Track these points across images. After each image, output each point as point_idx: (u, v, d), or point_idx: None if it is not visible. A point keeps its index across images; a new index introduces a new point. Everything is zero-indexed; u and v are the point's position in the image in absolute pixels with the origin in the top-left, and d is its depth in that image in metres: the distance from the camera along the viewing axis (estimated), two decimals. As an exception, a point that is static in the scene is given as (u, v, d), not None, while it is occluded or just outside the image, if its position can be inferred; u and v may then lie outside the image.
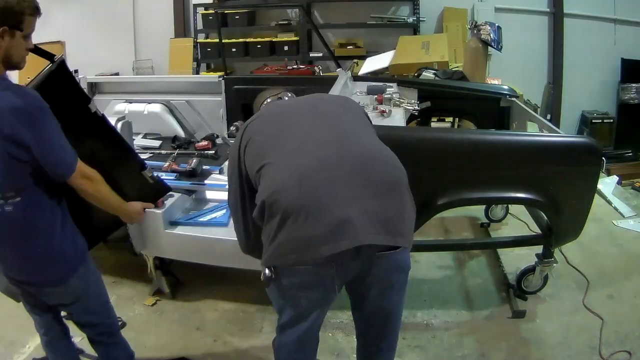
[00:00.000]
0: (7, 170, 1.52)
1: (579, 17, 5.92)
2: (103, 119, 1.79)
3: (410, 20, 5.91)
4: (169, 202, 2.62)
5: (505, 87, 3.55)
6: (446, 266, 3.13)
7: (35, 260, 1.67)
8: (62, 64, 1.68)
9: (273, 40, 5.88)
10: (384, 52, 5.27)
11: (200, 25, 6.31)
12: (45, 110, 1.52)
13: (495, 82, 4.80)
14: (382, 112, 2.66)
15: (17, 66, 1.58)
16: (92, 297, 1.86)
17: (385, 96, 2.87)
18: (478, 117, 3.52)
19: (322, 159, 1.54)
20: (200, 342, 2.52)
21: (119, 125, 2.52)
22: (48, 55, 1.69)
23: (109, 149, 1.84)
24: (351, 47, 5.94)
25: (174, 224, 2.64)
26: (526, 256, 2.87)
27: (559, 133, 2.62)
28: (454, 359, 2.38)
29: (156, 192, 2.03)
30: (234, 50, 6.01)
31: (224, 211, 2.74)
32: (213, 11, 5.86)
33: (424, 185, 2.22)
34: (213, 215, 2.71)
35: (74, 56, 5.60)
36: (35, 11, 1.56)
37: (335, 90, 2.93)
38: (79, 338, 2.45)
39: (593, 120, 5.66)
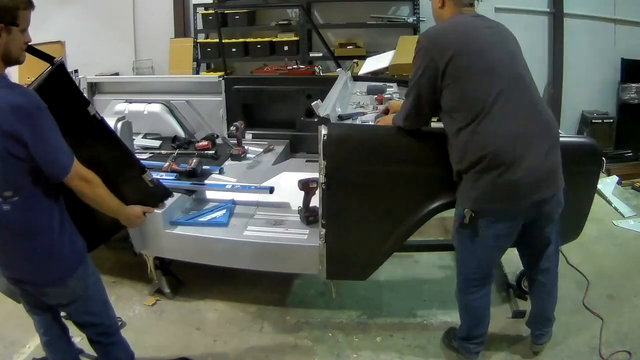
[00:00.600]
0: (5, 168, 1.53)
1: (579, 17, 5.92)
2: (102, 122, 1.79)
3: (410, 20, 5.91)
4: (169, 202, 2.62)
5: (505, 87, 3.54)
6: (446, 266, 3.13)
7: (33, 260, 1.67)
8: (61, 66, 1.68)
9: (273, 40, 5.88)
10: (384, 52, 5.27)
11: (200, 25, 6.30)
12: (43, 109, 1.52)
13: (495, 82, 4.79)
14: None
15: (17, 61, 1.59)
16: (91, 297, 1.86)
17: (385, 96, 2.87)
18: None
19: (525, 125, 1.89)
20: (200, 342, 2.52)
21: (119, 126, 2.53)
22: (47, 58, 1.69)
23: (108, 151, 1.84)
24: (351, 47, 5.94)
25: (174, 224, 2.64)
26: (526, 256, 2.86)
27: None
28: (454, 359, 2.38)
29: (156, 196, 2.03)
30: (234, 50, 6.00)
31: (224, 211, 2.74)
32: (213, 11, 5.86)
33: (421, 185, 2.21)
34: (213, 215, 2.72)
35: (74, 56, 5.60)
36: (29, 5, 1.56)
37: (335, 90, 2.93)
38: (78, 338, 2.46)
39: (593, 120, 5.66)
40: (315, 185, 2.46)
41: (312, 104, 2.32)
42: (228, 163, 3.39)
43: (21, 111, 1.49)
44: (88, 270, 1.83)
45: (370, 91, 3.11)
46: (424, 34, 2.03)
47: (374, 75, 4.75)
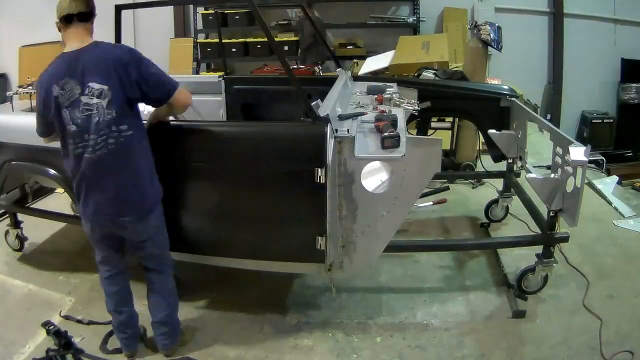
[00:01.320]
0: (122, 107, 2.01)
1: (579, 17, 5.94)
2: None
3: (410, 20, 5.92)
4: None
5: (505, 87, 3.55)
6: (446, 266, 3.13)
7: (139, 188, 2.09)
8: None
9: (273, 40, 5.89)
10: (384, 52, 5.28)
11: (200, 25, 6.31)
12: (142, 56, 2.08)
13: (495, 82, 4.80)
14: (382, 112, 2.66)
15: None
16: (161, 234, 2.28)
17: (385, 96, 2.86)
18: (478, 117, 3.52)
19: None
20: (200, 342, 2.52)
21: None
22: None
23: None
24: (351, 47, 5.95)
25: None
26: (526, 256, 2.87)
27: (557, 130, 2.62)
28: (454, 359, 2.38)
29: None
30: (234, 50, 6.02)
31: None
32: (213, 11, 5.87)
33: None
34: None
35: (74, 56, 5.59)
36: None
37: (335, 90, 2.93)
38: (78, 338, 2.46)
39: (593, 120, 5.67)
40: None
41: (312, 104, 2.31)
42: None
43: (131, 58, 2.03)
44: (161, 212, 2.24)
45: (370, 91, 3.11)
46: None
47: (374, 75, 4.76)
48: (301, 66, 5.74)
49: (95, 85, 1.95)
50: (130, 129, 2.04)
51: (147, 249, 2.25)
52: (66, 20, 2.02)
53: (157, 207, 2.20)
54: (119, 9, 2.69)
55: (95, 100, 1.96)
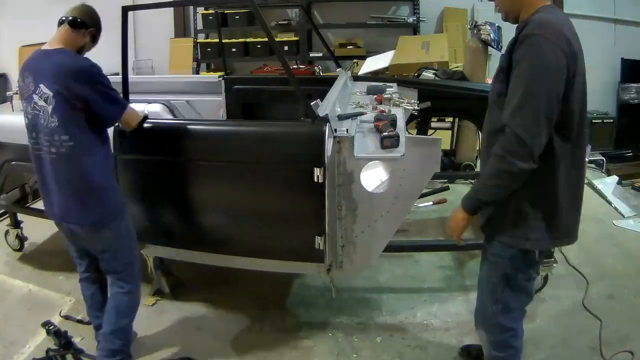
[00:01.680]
0: (65, 119, 1.94)
1: (579, 17, 5.92)
2: None
3: (410, 20, 5.91)
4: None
5: (506, 87, 3.54)
6: (446, 266, 3.13)
7: (81, 199, 2.01)
8: None
9: (273, 40, 5.88)
10: (384, 52, 5.27)
11: (200, 25, 6.31)
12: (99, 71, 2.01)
13: (495, 82, 4.79)
14: (382, 112, 2.66)
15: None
16: (124, 248, 2.18)
17: (385, 96, 2.86)
18: (478, 117, 3.52)
19: None
20: (200, 342, 2.52)
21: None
22: None
23: None
24: (351, 47, 5.95)
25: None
26: (526, 256, 2.86)
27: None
28: (454, 359, 2.38)
29: None
30: (234, 50, 6.01)
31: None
32: (213, 11, 5.87)
33: None
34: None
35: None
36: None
37: (335, 90, 2.93)
38: (78, 338, 2.46)
39: (593, 121, 5.66)
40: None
41: (311, 103, 2.31)
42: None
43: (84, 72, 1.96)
44: (123, 229, 2.13)
45: (370, 91, 3.11)
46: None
47: (374, 75, 4.76)
48: (301, 66, 5.74)
49: (44, 89, 1.93)
50: (73, 140, 1.95)
51: (106, 261, 2.18)
52: (58, 23, 2.08)
53: (114, 222, 2.09)
54: (125, 10, 2.69)
55: (42, 103, 1.95)
